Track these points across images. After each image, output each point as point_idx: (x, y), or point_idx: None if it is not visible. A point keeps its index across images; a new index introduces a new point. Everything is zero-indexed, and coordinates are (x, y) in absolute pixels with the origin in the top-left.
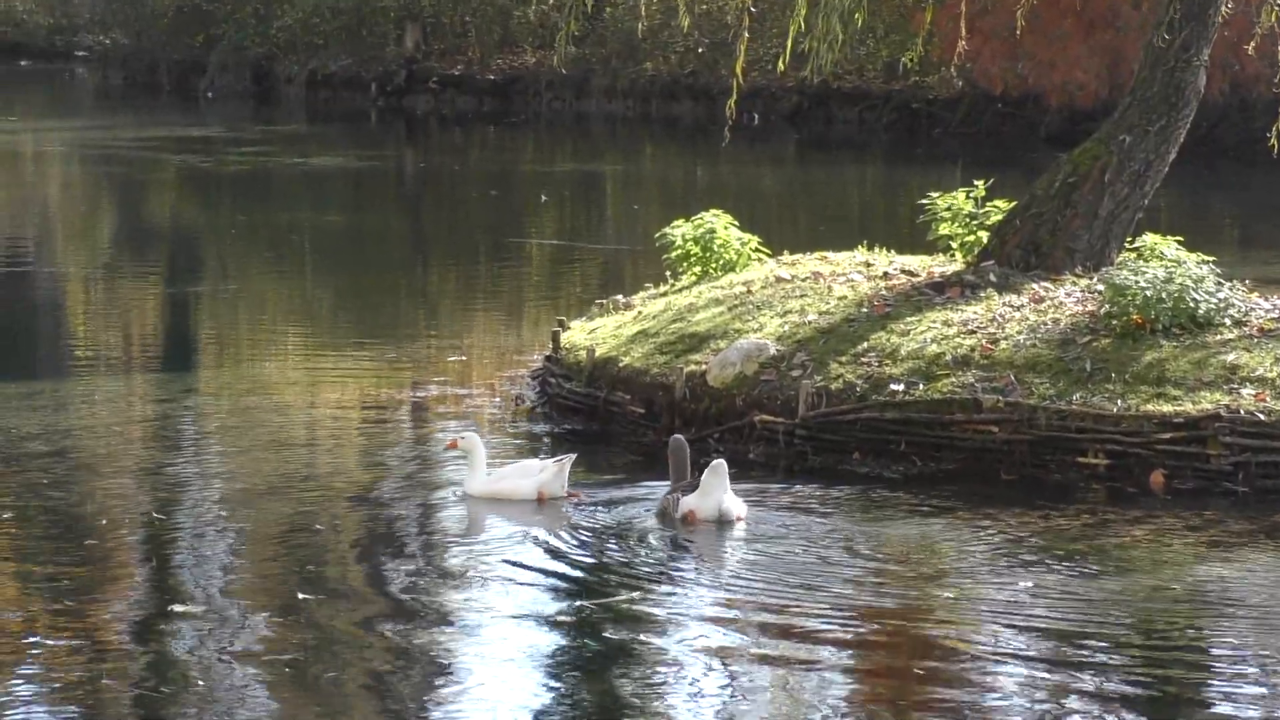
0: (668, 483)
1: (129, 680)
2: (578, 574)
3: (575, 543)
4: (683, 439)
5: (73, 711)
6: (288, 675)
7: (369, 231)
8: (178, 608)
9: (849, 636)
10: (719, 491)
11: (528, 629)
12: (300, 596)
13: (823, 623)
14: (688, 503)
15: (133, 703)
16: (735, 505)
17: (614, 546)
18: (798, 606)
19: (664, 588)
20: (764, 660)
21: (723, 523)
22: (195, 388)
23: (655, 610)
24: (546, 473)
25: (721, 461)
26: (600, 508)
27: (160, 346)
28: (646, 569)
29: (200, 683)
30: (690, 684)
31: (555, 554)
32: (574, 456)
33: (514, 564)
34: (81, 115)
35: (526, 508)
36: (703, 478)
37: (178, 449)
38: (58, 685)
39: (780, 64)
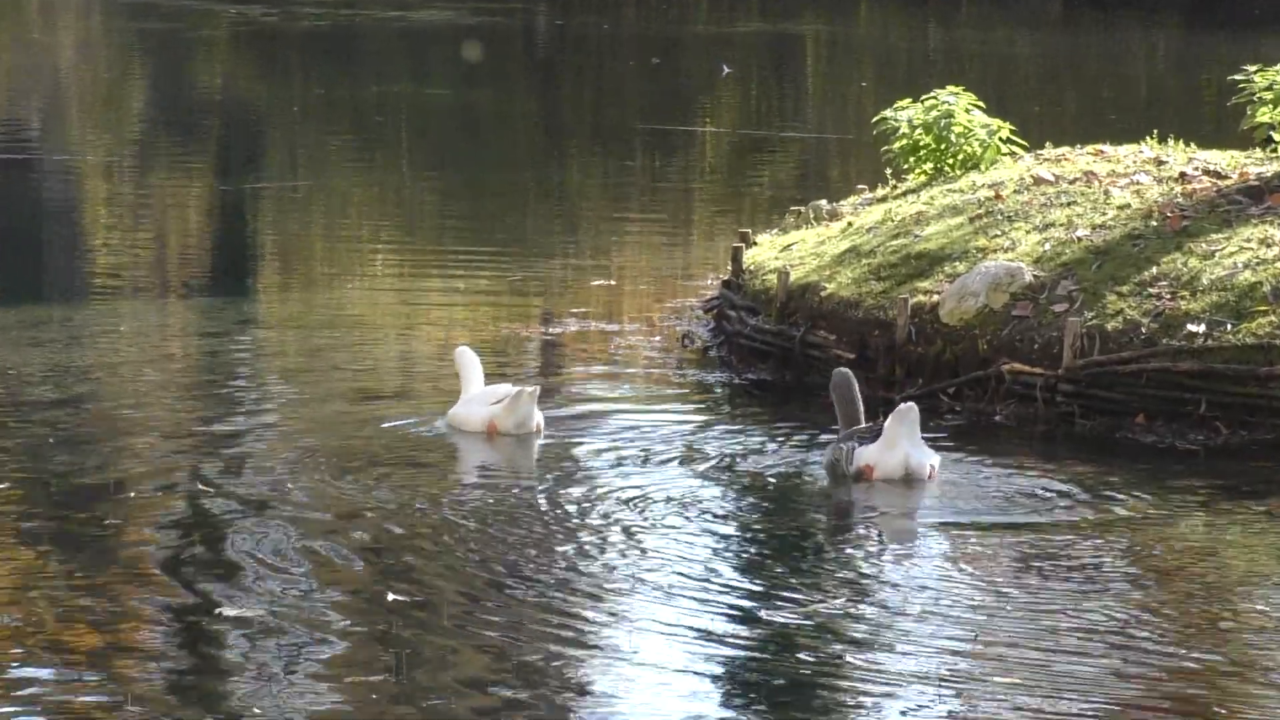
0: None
1: (162, 708)
2: (755, 567)
3: (753, 527)
4: (848, 372)
5: None
6: (372, 700)
7: (487, 112)
8: (228, 610)
9: (1124, 675)
10: (906, 444)
11: (691, 648)
12: (391, 598)
13: (1086, 653)
14: (866, 455)
15: None
16: (927, 459)
17: (800, 529)
18: (1052, 630)
19: (867, 591)
20: (1006, 700)
21: (912, 480)
22: (253, 318)
23: (858, 625)
24: (503, 404)
25: (911, 405)
26: (778, 479)
27: (207, 263)
28: (841, 564)
29: (258, 711)
30: None
31: (727, 541)
32: (536, 389)
33: (669, 555)
34: None
35: (492, 445)
36: (886, 425)
37: (229, 399)
38: (68, 712)
39: None
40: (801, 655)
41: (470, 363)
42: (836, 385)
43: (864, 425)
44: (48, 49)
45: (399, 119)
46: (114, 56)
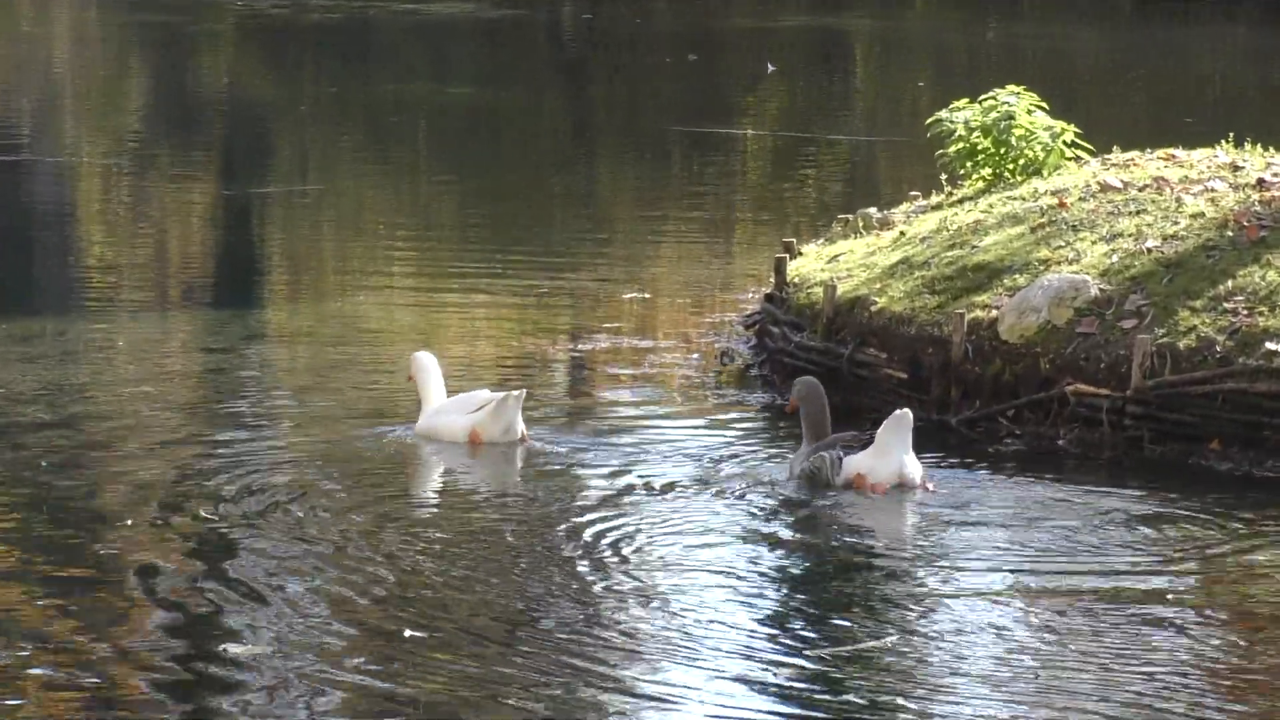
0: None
1: None
2: (796, 601)
3: (795, 560)
4: (816, 380)
5: None
6: None
7: (510, 112)
8: (231, 648)
9: None
10: (899, 451)
11: (719, 686)
12: (408, 634)
13: (1160, 710)
14: (856, 464)
15: None
16: (917, 469)
17: (846, 562)
18: (1117, 676)
19: (916, 631)
20: None
21: (905, 488)
22: (259, 332)
23: (905, 666)
24: (485, 410)
25: (906, 412)
26: (824, 508)
27: (210, 272)
28: (889, 601)
29: None
30: None
31: (768, 575)
32: (522, 393)
33: (701, 589)
34: None
35: (472, 454)
36: (879, 432)
37: (234, 420)
38: None
39: None
40: (848, 696)
41: (432, 370)
42: (807, 395)
43: (844, 434)
44: (41, 42)
45: (416, 119)
46: (112, 52)
